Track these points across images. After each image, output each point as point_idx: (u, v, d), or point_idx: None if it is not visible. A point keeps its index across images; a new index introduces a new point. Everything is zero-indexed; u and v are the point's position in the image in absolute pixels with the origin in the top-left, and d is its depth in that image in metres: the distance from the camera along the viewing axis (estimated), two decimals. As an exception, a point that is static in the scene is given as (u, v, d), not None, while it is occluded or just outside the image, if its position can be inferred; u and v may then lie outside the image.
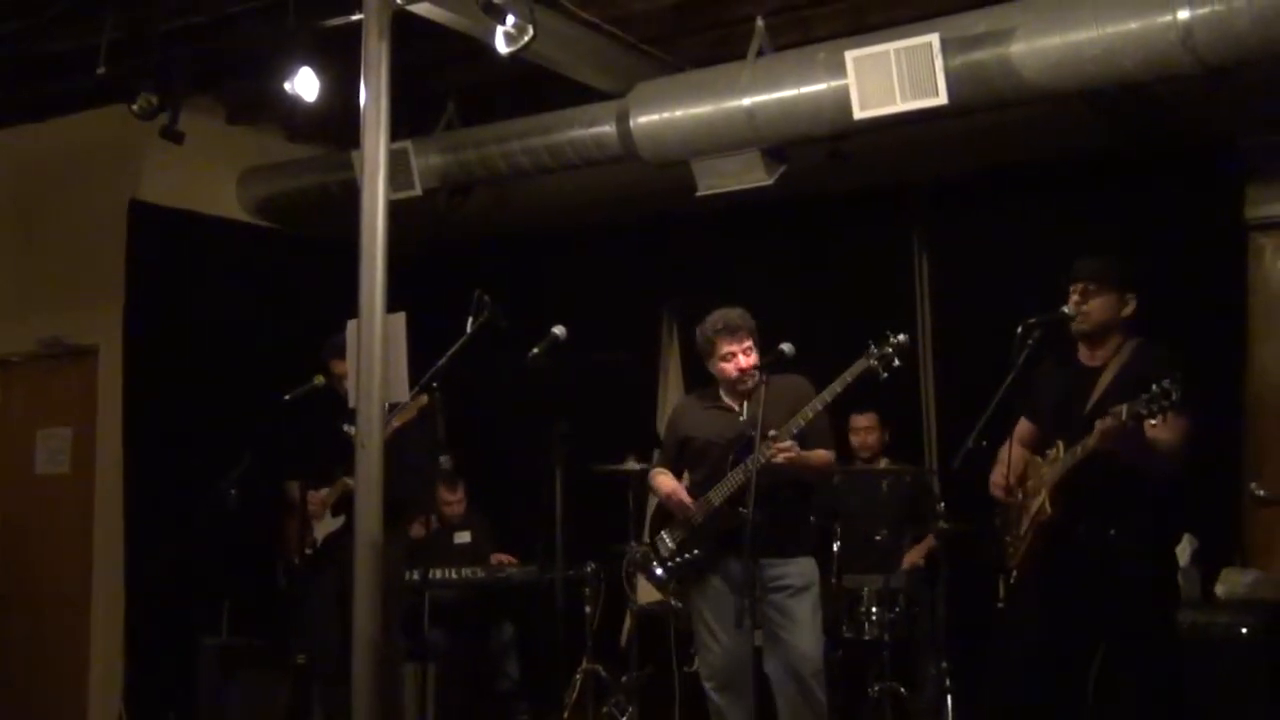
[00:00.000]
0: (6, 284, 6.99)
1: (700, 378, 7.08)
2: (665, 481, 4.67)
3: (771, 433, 4.28)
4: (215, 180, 7.00)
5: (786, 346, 4.39)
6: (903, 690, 5.45)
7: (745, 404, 4.53)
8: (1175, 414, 3.66)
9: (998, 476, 4.19)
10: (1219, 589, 5.36)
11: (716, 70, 5.56)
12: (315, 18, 5.03)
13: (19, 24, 5.42)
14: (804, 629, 4.39)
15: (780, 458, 4.26)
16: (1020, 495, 4.14)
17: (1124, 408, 3.68)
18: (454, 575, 6.30)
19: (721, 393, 4.66)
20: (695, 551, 4.51)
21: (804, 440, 4.37)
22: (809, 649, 4.38)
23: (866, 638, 5.52)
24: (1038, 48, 4.70)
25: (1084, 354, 4.12)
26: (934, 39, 4.77)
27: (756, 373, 4.45)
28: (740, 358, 4.52)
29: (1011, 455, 4.17)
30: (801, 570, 4.47)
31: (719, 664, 4.44)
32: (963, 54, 4.80)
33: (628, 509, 6.06)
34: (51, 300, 6.86)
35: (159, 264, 6.60)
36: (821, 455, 4.51)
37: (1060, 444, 3.98)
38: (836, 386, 4.34)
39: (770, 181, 5.55)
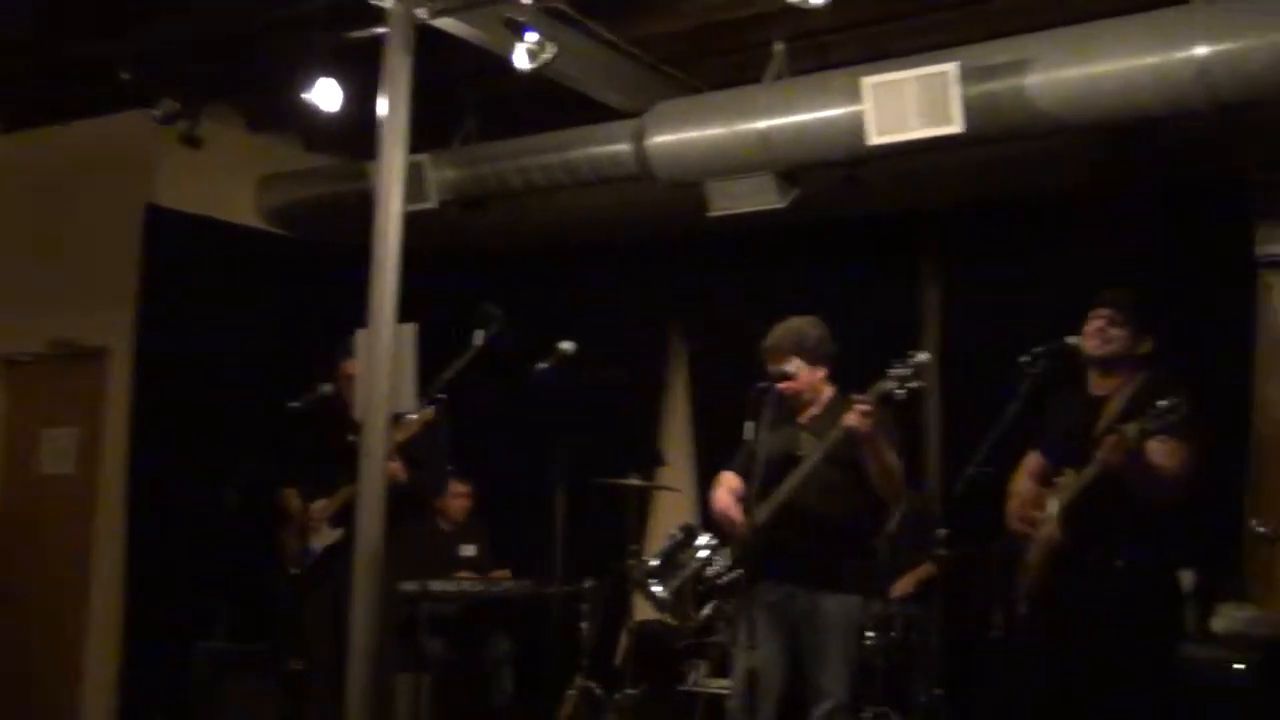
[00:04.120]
0: (21, 284, 7.02)
1: (707, 397, 7.18)
2: (720, 495, 4.52)
3: (857, 396, 4.11)
4: (233, 187, 7.04)
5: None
6: (894, 716, 5.44)
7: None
8: (1178, 441, 3.69)
9: (1014, 508, 4.19)
10: (1216, 624, 5.36)
11: (733, 93, 5.60)
12: (338, 29, 5.08)
13: (46, 28, 5.49)
14: (827, 667, 4.30)
15: (856, 419, 4.06)
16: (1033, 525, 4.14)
17: (1132, 425, 3.69)
18: (452, 587, 6.30)
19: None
20: (736, 572, 4.45)
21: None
22: (829, 687, 4.29)
23: (861, 661, 5.50)
24: (1055, 79, 4.74)
25: (1093, 382, 4.13)
26: (952, 67, 4.81)
27: (804, 394, 4.37)
28: (787, 382, 4.38)
29: (1022, 488, 4.18)
30: (836, 608, 4.32)
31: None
32: (980, 83, 4.83)
33: (628, 525, 6.07)
34: (64, 301, 6.90)
35: (173, 268, 6.63)
36: (893, 455, 4.29)
37: (1070, 471, 3.99)
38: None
39: (783, 204, 5.58)
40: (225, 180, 6.94)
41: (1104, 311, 4.07)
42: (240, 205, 7.10)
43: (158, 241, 6.64)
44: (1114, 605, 3.88)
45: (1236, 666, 5.00)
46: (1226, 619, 5.36)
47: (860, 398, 4.11)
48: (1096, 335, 4.05)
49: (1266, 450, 5.75)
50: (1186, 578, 5.15)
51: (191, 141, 5.77)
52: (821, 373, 4.45)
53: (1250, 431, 5.70)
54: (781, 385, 4.38)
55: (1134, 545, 3.88)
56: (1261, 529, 5.63)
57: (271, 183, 7.17)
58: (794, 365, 4.40)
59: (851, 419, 4.09)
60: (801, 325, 4.46)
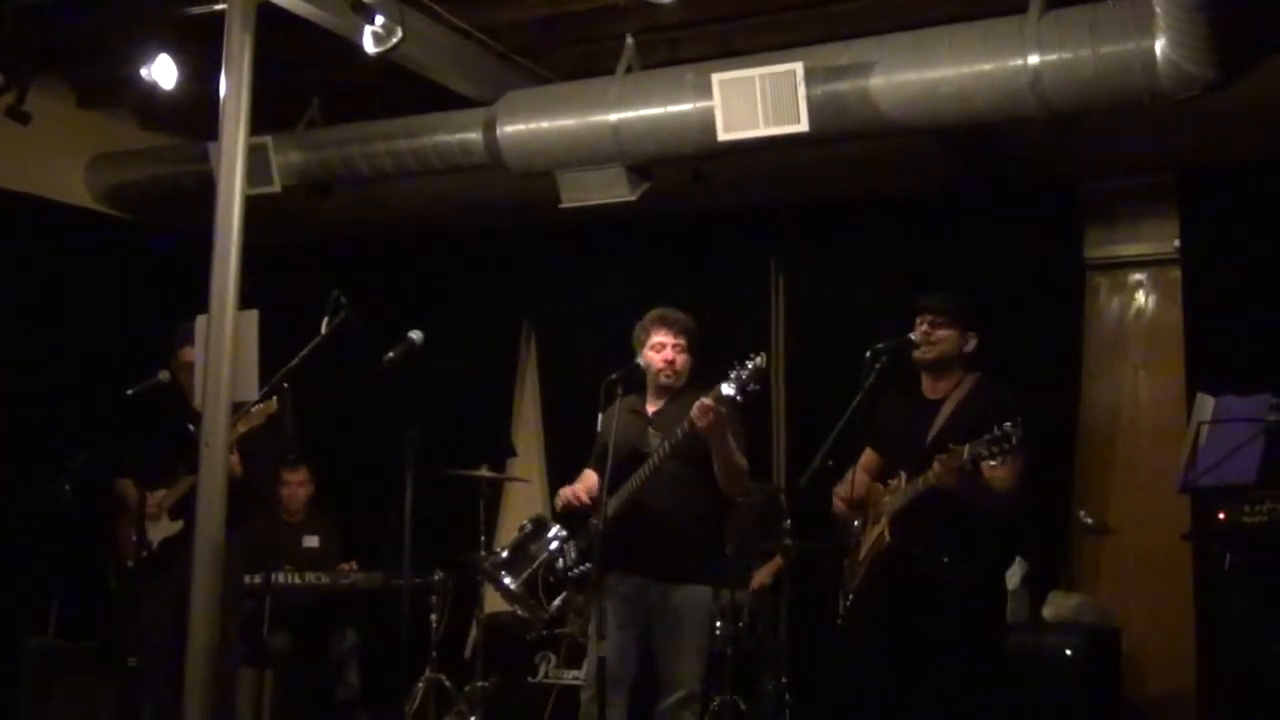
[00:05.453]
0: None
1: (557, 389, 7.18)
2: (568, 489, 4.55)
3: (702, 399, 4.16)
4: (62, 165, 6.79)
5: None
6: (742, 705, 5.53)
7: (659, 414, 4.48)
8: (1010, 459, 3.76)
9: (841, 492, 4.29)
10: (1046, 611, 5.59)
11: (585, 84, 5.61)
12: (177, 4, 4.91)
13: None
14: (678, 658, 4.34)
15: (699, 414, 4.10)
16: (862, 520, 4.23)
17: (965, 448, 3.74)
18: (297, 580, 6.17)
19: (647, 398, 4.56)
20: (587, 564, 4.45)
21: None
22: (680, 678, 4.33)
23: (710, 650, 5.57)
24: (896, 82, 4.86)
25: (926, 385, 4.22)
26: (798, 67, 4.90)
27: (677, 374, 4.41)
28: (669, 350, 4.44)
29: (855, 480, 4.27)
30: (687, 599, 4.35)
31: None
32: (824, 84, 4.93)
33: (478, 517, 6.03)
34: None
35: (-3, 249, 6.36)
36: (738, 454, 4.34)
37: (903, 474, 4.07)
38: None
39: (634, 198, 5.61)
40: (54, 158, 6.69)
41: (925, 317, 4.15)
42: (70, 184, 6.85)
43: (-19, 220, 6.35)
44: (939, 598, 3.97)
45: (1066, 652, 5.21)
46: (1055, 606, 5.59)
47: (703, 399, 4.16)
48: (921, 340, 4.13)
49: (1092, 445, 6.01)
50: (1017, 567, 5.37)
51: (18, 116, 5.50)
52: (691, 363, 4.51)
53: (1077, 427, 5.95)
54: (667, 357, 4.44)
55: (961, 546, 3.98)
56: (1088, 520, 5.90)
57: (104, 162, 6.93)
58: (682, 342, 4.47)
59: (695, 417, 4.14)
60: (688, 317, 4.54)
